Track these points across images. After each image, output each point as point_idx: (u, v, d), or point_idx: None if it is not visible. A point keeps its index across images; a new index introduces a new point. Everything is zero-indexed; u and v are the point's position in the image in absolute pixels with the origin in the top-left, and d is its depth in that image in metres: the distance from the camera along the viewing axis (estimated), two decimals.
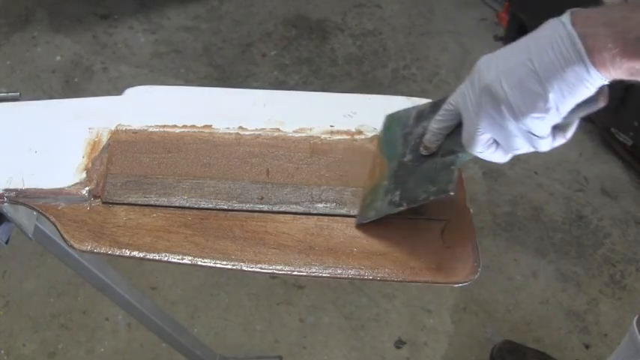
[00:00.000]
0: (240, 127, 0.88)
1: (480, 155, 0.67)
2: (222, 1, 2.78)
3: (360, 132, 0.89)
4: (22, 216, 0.87)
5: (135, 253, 0.75)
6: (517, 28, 2.48)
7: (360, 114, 0.91)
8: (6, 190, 0.78)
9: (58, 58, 2.49)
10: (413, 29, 2.69)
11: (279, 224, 0.78)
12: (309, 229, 0.78)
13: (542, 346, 1.67)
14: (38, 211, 0.78)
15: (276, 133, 0.87)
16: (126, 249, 0.75)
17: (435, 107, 0.74)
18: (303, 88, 2.39)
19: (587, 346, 1.69)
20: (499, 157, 0.67)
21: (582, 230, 1.95)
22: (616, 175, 2.11)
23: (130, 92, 0.92)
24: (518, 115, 0.60)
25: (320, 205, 0.80)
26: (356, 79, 2.46)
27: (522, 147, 0.64)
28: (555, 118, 0.60)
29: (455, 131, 0.70)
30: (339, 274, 0.75)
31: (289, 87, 2.40)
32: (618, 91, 1.98)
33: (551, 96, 0.58)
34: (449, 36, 2.65)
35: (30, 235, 0.90)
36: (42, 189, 0.78)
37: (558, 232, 1.95)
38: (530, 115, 0.60)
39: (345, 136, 0.88)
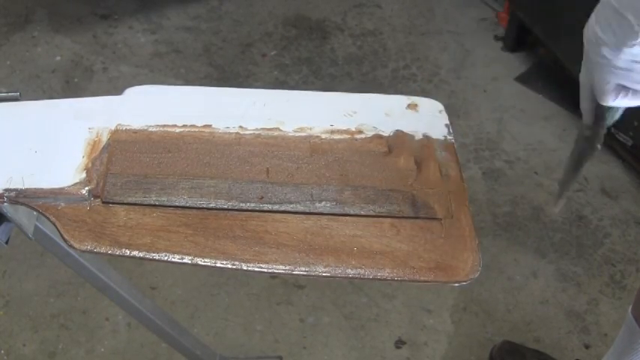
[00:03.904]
0: (240, 127, 0.88)
1: (615, 104, 0.76)
2: (222, 1, 2.78)
3: (360, 131, 0.89)
4: (22, 216, 0.86)
5: (135, 253, 0.75)
6: (517, 28, 2.48)
7: (360, 114, 0.91)
8: (6, 190, 0.78)
9: (58, 58, 2.49)
10: (413, 29, 2.69)
11: (279, 224, 0.78)
12: (309, 229, 0.78)
13: (542, 346, 1.67)
14: (38, 211, 0.78)
15: (276, 133, 0.87)
16: (126, 249, 0.75)
17: None
18: (303, 88, 2.39)
19: (587, 346, 1.69)
20: (634, 101, 0.75)
21: (582, 230, 1.95)
22: (616, 175, 2.11)
23: (130, 92, 0.92)
24: (618, 48, 0.68)
25: (320, 205, 0.80)
26: (356, 79, 2.46)
27: None
28: None
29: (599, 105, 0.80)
30: (339, 273, 0.75)
31: (289, 87, 2.40)
32: None
33: (635, 20, 0.65)
34: (449, 36, 2.65)
35: (30, 235, 0.90)
36: (42, 189, 0.78)
37: (558, 232, 1.95)
38: (627, 44, 0.67)
39: (345, 136, 0.88)
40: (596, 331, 1.72)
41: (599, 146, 0.86)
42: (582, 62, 0.77)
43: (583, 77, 0.78)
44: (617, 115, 0.83)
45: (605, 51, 0.69)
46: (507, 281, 1.82)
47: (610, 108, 0.80)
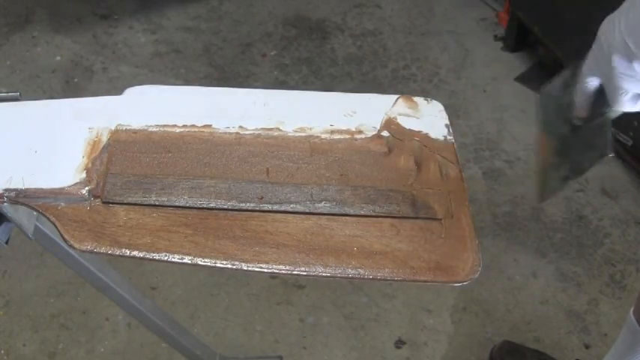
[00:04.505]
0: (240, 127, 0.88)
1: (627, 110, 0.76)
2: (222, 1, 2.78)
3: (360, 131, 0.89)
4: (22, 216, 0.86)
5: (135, 253, 0.75)
6: (517, 28, 2.48)
7: (360, 113, 0.91)
8: (6, 190, 0.78)
9: (58, 58, 2.49)
10: (413, 29, 2.69)
11: (280, 224, 0.78)
12: (310, 229, 0.78)
13: (542, 346, 1.67)
14: (38, 211, 0.78)
15: (276, 133, 0.87)
16: (126, 249, 0.75)
17: (574, 73, 0.81)
18: (303, 88, 2.39)
19: (587, 346, 1.69)
20: None
21: (582, 230, 1.95)
22: (616, 175, 2.11)
23: (130, 92, 0.92)
24: None
25: (320, 205, 0.80)
26: (356, 79, 2.46)
27: None
28: None
29: (600, 93, 0.77)
30: (339, 273, 0.75)
31: (289, 87, 2.40)
32: None
33: None
34: (449, 36, 2.65)
35: (30, 235, 0.90)
36: (42, 189, 0.78)
37: (558, 232, 1.95)
38: None
39: (345, 136, 0.88)
40: (596, 331, 1.72)
41: (610, 153, 0.81)
42: (591, 58, 0.73)
43: (591, 69, 0.75)
44: (617, 115, 0.81)
45: (636, 65, 0.67)
46: (507, 281, 1.82)
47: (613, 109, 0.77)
